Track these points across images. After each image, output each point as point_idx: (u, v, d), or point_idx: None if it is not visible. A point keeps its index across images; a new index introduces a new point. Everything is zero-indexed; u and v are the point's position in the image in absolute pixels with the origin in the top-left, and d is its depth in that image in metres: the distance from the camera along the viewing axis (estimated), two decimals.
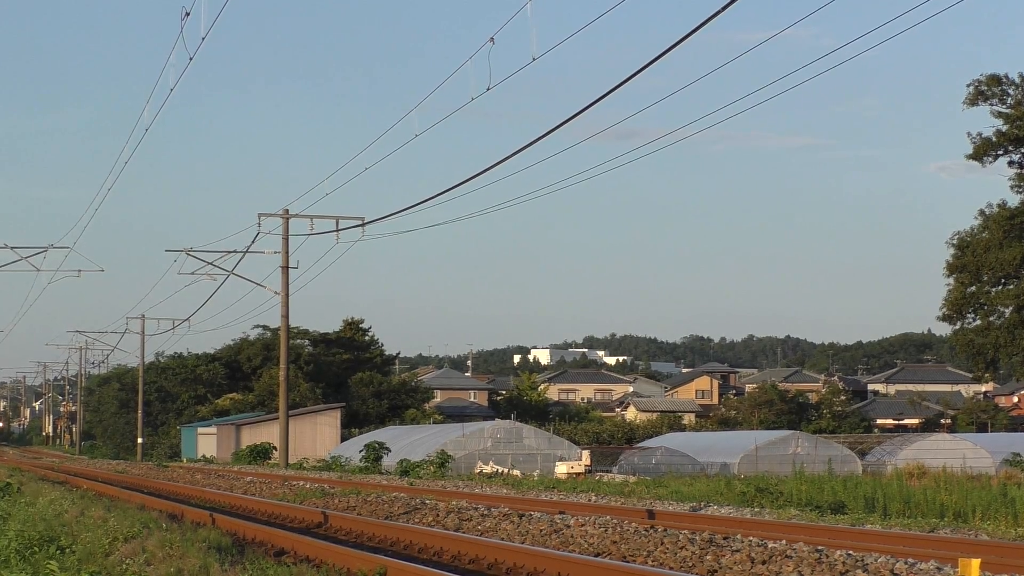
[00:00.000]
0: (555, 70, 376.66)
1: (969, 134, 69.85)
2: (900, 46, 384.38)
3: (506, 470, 61.07)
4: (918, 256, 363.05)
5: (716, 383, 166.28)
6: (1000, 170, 70.95)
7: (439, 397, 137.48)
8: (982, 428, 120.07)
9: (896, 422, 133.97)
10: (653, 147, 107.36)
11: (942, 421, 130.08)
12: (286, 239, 66.44)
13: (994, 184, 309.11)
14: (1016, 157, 70.55)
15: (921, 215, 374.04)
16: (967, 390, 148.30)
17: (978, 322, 71.82)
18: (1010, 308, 70.22)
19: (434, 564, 18.58)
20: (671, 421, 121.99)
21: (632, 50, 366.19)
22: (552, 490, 40.30)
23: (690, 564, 17.69)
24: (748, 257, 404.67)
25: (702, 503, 33.30)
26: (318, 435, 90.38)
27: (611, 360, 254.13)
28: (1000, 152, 70.03)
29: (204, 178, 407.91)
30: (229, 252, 68.48)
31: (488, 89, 28.38)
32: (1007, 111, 69.04)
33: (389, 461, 63.51)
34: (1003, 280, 70.67)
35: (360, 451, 66.81)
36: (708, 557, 17.76)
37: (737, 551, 17.77)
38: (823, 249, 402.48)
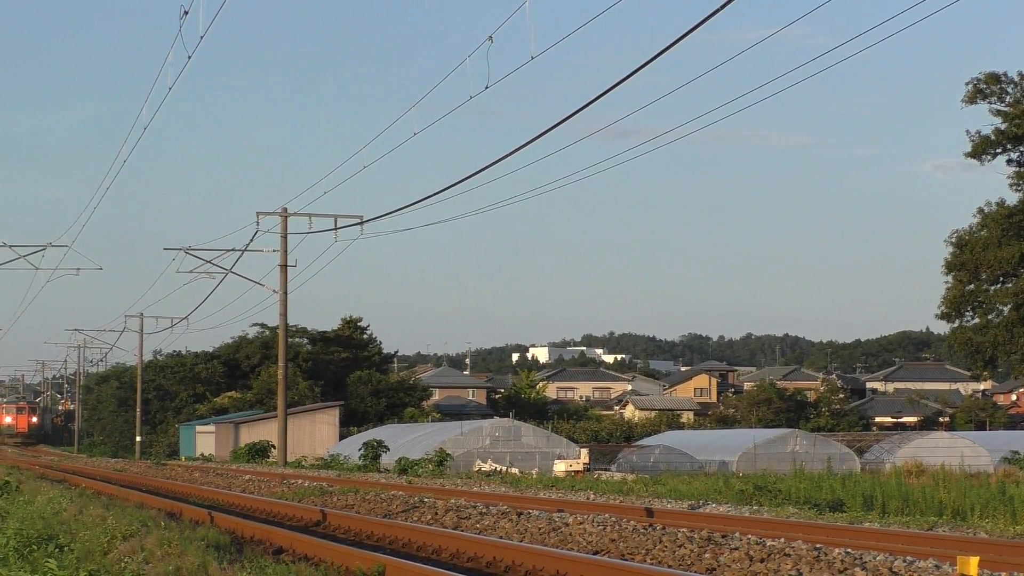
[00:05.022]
0: (553, 69, 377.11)
1: (968, 132, 69.90)
2: (896, 45, 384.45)
3: (505, 468, 61.08)
4: (916, 254, 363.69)
5: (714, 381, 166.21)
6: (998, 168, 71.01)
7: (437, 395, 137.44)
8: (980, 426, 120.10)
9: (895, 420, 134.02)
10: (651, 146, 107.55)
11: (940, 419, 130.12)
12: (284, 237, 66.47)
13: (990, 182, 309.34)
14: (1015, 155, 70.56)
15: (918, 213, 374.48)
16: (965, 388, 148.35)
17: (976, 320, 71.80)
18: (1008, 306, 70.21)
19: (433, 562, 18.57)
20: (669, 419, 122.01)
21: (630, 49, 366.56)
22: (551, 488, 40.30)
23: (689, 562, 17.69)
24: (746, 255, 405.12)
25: (700, 501, 33.31)
26: (316, 433, 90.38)
27: (609, 358, 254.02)
28: (999, 150, 70.03)
29: (203, 176, 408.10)
30: (227, 251, 68.56)
31: (487, 87, 28.41)
32: (1006, 109, 69.05)
33: (388, 459, 63.53)
34: (1001, 278, 70.67)
35: (359, 449, 66.84)
36: (707, 555, 17.76)
37: (736, 549, 17.77)
38: (821, 247, 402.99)
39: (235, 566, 16.08)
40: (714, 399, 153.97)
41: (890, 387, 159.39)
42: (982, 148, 69.60)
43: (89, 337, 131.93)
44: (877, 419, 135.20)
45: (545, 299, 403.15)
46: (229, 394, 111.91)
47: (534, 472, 59.62)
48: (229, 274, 69.43)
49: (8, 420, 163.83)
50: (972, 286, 70.97)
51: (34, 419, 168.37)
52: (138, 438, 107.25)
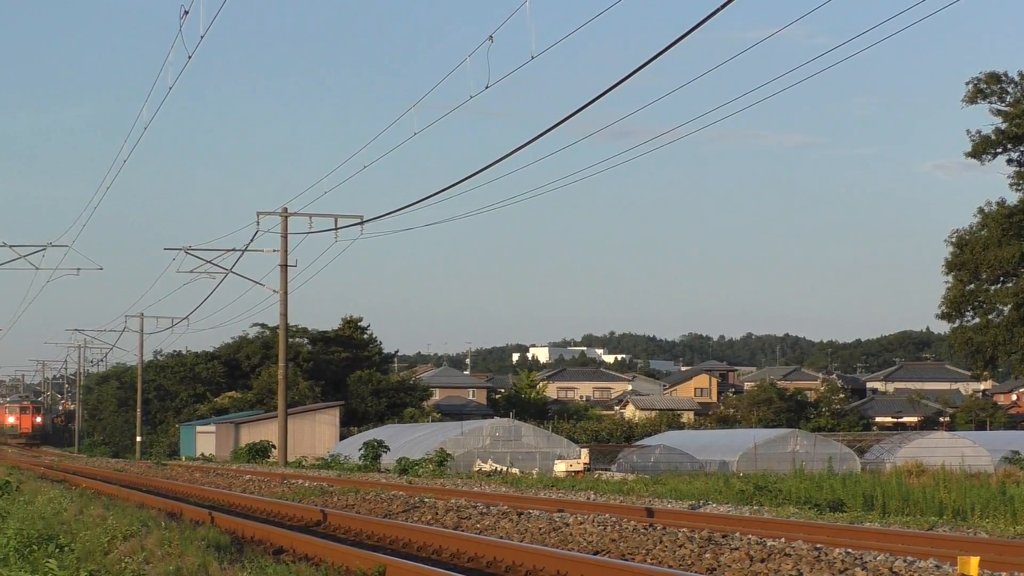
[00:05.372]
0: (554, 69, 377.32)
1: (968, 132, 69.96)
2: (896, 45, 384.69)
3: (505, 468, 61.06)
4: (917, 254, 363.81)
5: (715, 381, 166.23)
6: (998, 168, 71.08)
7: (438, 395, 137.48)
8: (981, 426, 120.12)
9: (895, 420, 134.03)
10: (650, 146, 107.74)
11: (941, 419, 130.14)
12: (285, 237, 66.48)
13: (990, 182, 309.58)
14: (1015, 155, 70.63)
15: (917, 213, 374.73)
16: (966, 388, 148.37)
17: (977, 320, 71.84)
18: (1009, 306, 70.26)
19: (433, 562, 18.57)
20: (670, 419, 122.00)
21: (630, 49, 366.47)
22: (551, 488, 40.29)
23: (689, 562, 17.69)
24: (746, 255, 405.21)
25: (701, 501, 33.31)
26: (317, 433, 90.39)
27: (610, 358, 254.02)
28: (999, 150, 70.10)
29: (203, 176, 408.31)
30: (228, 250, 68.59)
31: (487, 87, 28.40)
32: (1006, 109, 69.09)
33: (388, 459, 63.53)
34: (1002, 278, 70.72)
35: (359, 449, 66.83)
36: (707, 555, 17.76)
37: (736, 549, 17.77)
38: (821, 247, 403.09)
39: (235, 566, 16.07)
40: (714, 399, 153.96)
41: (890, 387, 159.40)
42: (982, 148, 69.65)
43: (89, 337, 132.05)
44: (877, 419, 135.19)
45: (545, 299, 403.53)
46: (229, 394, 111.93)
47: (534, 472, 59.59)
48: (229, 274, 69.52)
49: (11, 420, 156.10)
50: (972, 286, 71.01)
51: (38, 419, 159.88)
52: (138, 438, 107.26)
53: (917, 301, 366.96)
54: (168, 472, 59.89)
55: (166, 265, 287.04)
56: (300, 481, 43.68)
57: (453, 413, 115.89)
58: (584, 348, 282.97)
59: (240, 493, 37.58)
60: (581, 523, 22.04)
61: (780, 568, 16.38)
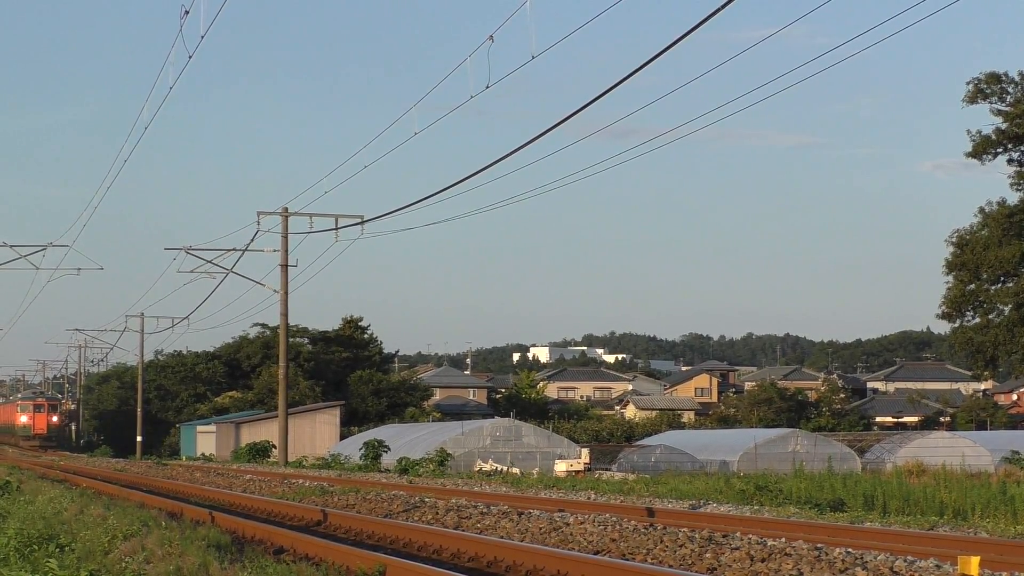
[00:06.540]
0: (554, 68, 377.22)
1: (968, 132, 70.04)
2: (896, 45, 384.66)
3: (505, 468, 61.06)
4: (917, 254, 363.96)
5: (715, 381, 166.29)
6: (999, 168, 71.18)
7: (438, 395, 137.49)
8: (981, 426, 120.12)
9: (895, 420, 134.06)
10: (651, 145, 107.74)
11: (941, 419, 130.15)
12: (285, 237, 66.51)
13: (990, 182, 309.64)
14: (1015, 155, 70.68)
15: (917, 213, 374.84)
16: (966, 388, 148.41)
17: (977, 320, 71.88)
18: (1009, 306, 70.29)
19: (433, 562, 18.57)
20: (670, 419, 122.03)
21: (630, 49, 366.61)
22: (551, 488, 40.29)
23: (689, 562, 17.69)
24: (747, 255, 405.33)
25: (701, 501, 33.30)
26: (317, 433, 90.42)
27: (610, 358, 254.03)
28: (999, 150, 70.16)
29: (203, 176, 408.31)
30: (228, 250, 68.66)
31: (487, 87, 28.40)
32: (1006, 109, 69.14)
33: (388, 459, 63.54)
34: (1002, 278, 70.75)
35: (359, 449, 66.85)
36: (707, 555, 17.76)
37: (736, 549, 17.77)
38: (822, 247, 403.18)
39: (236, 566, 16.07)
40: (715, 399, 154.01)
41: (891, 387, 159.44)
42: (983, 148, 69.72)
43: (90, 337, 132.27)
44: (878, 419, 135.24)
45: (545, 299, 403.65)
46: (230, 394, 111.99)
47: (535, 472, 59.58)
48: (230, 274, 69.58)
49: (24, 420, 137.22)
50: (973, 286, 71.06)
51: (54, 418, 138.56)
52: (139, 438, 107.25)
53: (917, 301, 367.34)
54: (168, 472, 59.88)
55: (166, 265, 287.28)
56: (300, 481, 43.68)
57: (453, 413, 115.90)
58: (584, 348, 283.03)
59: (240, 493, 37.58)
60: (581, 523, 22.04)
61: (780, 568, 16.38)
